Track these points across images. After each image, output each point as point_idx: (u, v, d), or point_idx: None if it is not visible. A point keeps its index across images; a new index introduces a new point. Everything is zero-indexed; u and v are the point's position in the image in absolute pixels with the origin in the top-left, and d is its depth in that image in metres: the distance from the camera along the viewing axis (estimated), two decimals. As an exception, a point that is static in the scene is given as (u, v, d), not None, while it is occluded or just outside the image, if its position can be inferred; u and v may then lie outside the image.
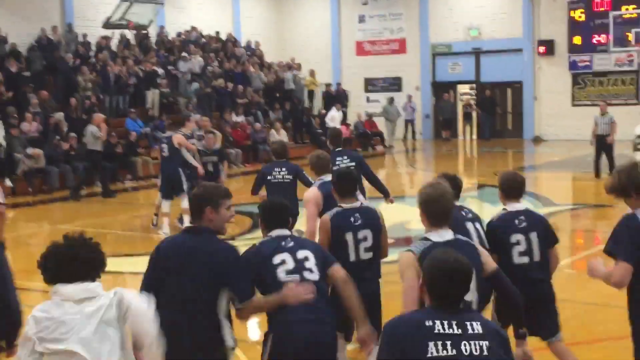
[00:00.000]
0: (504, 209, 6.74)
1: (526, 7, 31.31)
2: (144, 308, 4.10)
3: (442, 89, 33.31)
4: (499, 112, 32.71)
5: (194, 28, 31.56)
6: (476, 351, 3.68)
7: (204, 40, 31.56)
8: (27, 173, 20.09)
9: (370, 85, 35.33)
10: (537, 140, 31.09)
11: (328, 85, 32.49)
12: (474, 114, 32.47)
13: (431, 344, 3.68)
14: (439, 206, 4.95)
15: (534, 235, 6.41)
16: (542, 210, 15.38)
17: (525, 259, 6.38)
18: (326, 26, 35.97)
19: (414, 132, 32.55)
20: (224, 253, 4.98)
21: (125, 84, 25.42)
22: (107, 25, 27.81)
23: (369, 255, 6.49)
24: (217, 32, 32.48)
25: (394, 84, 34.66)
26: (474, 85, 33.66)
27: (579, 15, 30.26)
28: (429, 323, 3.74)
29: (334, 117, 28.36)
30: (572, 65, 30.59)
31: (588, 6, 30.02)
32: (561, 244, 12.92)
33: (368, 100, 35.00)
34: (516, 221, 6.47)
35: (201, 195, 5.11)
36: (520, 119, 32.25)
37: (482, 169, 24.45)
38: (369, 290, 6.31)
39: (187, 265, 4.90)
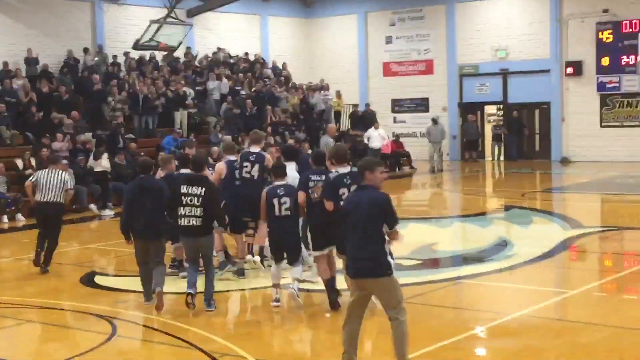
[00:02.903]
0: (336, 171, 9.62)
1: (554, 28, 31.25)
2: None
3: (469, 110, 33.27)
4: (526, 133, 32.60)
5: (220, 49, 31.80)
6: None
7: (232, 60, 31.80)
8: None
9: (397, 105, 35.38)
10: (564, 161, 30.94)
11: (355, 106, 32.56)
12: (503, 135, 32.37)
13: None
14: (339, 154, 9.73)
15: (353, 187, 8.94)
16: (569, 233, 15.34)
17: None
18: (353, 47, 36.11)
19: (441, 153, 32.49)
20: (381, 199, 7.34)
21: (153, 104, 25.64)
22: (137, 46, 28.15)
23: (288, 212, 10.01)
24: (246, 53, 32.72)
25: (421, 104, 34.69)
26: (501, 105, 33.59)
27: (607, 36, 30.16)
28: None
29: (373, 137, 28.38)
30: (600, 87, 30.45)
31: (616, 27, 29.92)
32: (590, 267, 12.99)
33: (395, 120, 35.05)
34: (344, 179, 9.44)
35: (361, 164, 7.44)
36: (547, 140, 32.11)
37: (509, 190, 24.36)
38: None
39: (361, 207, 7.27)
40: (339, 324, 9.64)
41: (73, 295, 11.60)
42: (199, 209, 9.86)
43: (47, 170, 13.04)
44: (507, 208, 20.08)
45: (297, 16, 36.84)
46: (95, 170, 21.45)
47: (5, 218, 18.72)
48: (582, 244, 14.53)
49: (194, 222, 9.90)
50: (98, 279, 12.28)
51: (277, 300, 10.16)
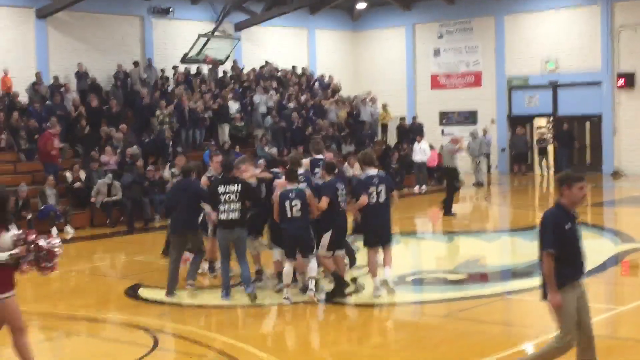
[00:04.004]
0: (367, 173, 11.37)
1: (605, 40, 30.78)
2: None
3: (518, 123, 32.89)
4: (577, 146, 32.10)
5: (267, 62, 31.91)
6: None
7: (279, 74, 31.89)
8: (104, 205, 20.48)
9: (445, 118, 35.14)
10: (616, 174, 30.38)
11: (402, 118, 32.41)
12: (550, 148, 31.90)
13: None
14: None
15: (382, 187, 11.20)
16: (621, 247, 15.00)
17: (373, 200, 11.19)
18: (401, 59, 35.98)
19: (489, 166, 32.16)
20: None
21: (200, 117, 25.80)
22: (185, 60, 28.39)
23: (299, 214, 10.86)
24: (294, 67, 32.79)
25: (470, 117, 34.40)
26: (551, 118, 33.16)
27: (660, 47, 29.65)
28: None
29: (416, 151, 28.11)
30: (653, 99, 29.92)
31: (670, 38, 29.39)
32: (640, 282, 12.65)
33: (443, 133, 34.77)
34: (373, 180, 11.19)
35: (559, 178, 7.12)
36: (599, 153, 31.56)
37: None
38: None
39: None
40: (377, 340, 9.55)
41: (118, 307, 11.66)
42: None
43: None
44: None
45: (344, 29, 36.85)
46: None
47: (54, 230, 18.92)
48: (633, 258, 14.20)
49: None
50: (142, 292, 12.32)
51: (288, 299, 10.83)
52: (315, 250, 11.11)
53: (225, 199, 11.08)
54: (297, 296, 11.18)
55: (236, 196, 11.07)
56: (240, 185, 11.16)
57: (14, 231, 7.24)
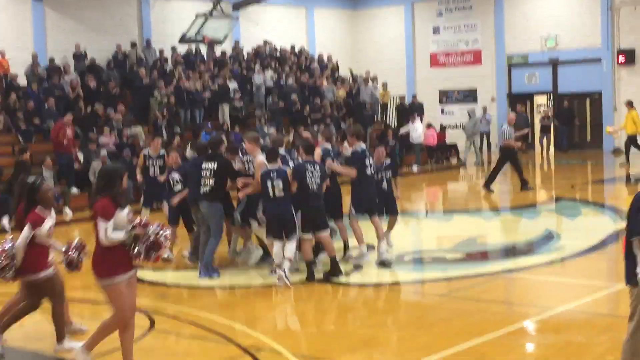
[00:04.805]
0: (359, 147, 11.92)
1: (605, 16, 30.62)
2: None
3: (518, 100, 32.78)
4: (577, 124, 32.00)
5: (266, 42, 31.76)
6: None
7: (278, 54, 31.74)
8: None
9: (445, 97, 35.03)
10: (617, 152, 30.28)
11: (402, 98, 32.28)
12: (552, 126, 31.81)
13: None
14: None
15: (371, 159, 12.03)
16: (620, 225, 14.94)
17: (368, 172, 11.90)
18: (400, 38, 35.84)
19: (489, 145, 32.08)
20: None
21: (199, 98, 25.72)
22: (183, 40, 28.25)
23: (281, 194, 10.84)
24: (292, 46, 32.63)
25: (469, 95, 34.30)
26: (551, 96, 33.04)
27: (660, 23, 29.50)
28: None
29: (416, 130, 28.02)
30: (653, 75, 29.81)
31: (670, 14, 29.24)
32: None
33: (443, 112, 34.71)
34: (367, 152, 11.95)
35: None
36: (599, 131, 31.46)
37: (559, 181, 23.93)
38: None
39: None
40: (375, 319, 9.53)
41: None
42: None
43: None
44: (557, 200, 19.70)
45: (343, 8, 36.67)
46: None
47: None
48: (632, 236, 14.11)
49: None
50: (141, 273, 12.25)
51: (280, 278, 10.76)
52: (297, 231, 11.06)
53: (204, 174, 11.45)
54: (293, 276, 11.16)
55: (211, 173, 11.37)
56: (216, 163, 11.40)
57: (127, 209, 7.19)
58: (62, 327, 8.28)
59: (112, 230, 7.01)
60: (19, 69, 24.33)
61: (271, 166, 11.03)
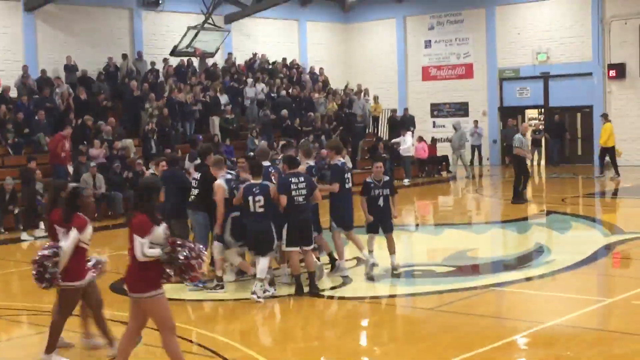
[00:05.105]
0: (339, 160, 12.08)
1: (596, 31, 30.71)
2: None
3: (509, 114, 32.81)
4: (568, 137, 32.05)
5: (255, 54, 31.77)
6: None
7: (270, 66, 31.74)
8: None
9: (437, 110, 35.05)
10: (607, 166, 30.33)
11: (394, 110, 32.31)
12: (543, 140, 31.84)
13: None
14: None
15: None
16: (610, 239, 14.95)
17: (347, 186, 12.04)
18: (392, 52, 35.87)
19: (480, 158, 32.10)
20: None
21: (190, 110, 25.68)
22: (175, 52, 28.22)
23: (262, 210, 10.75)
24: (284, 59, 32.65)
25: (461, 109, 34.32)
26: (542, 110, 33.10)
27: (650, 37, 29.59)
28: None
29: (406, 143, 28.05)
30: (644, 89, 29.88)
31: (660, 28, 29.34)
32: (630, 274, 12.61)
33: (434, 125, 34.71)
34: (346, 166, 12.15)
35: None
36: (590, 144, 31.49)
37: (550, 195, 23.92)
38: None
39: None
40: (362, 333, 9.48)
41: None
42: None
43: None
44: (547, 213, 19.68)
45: (335, 21, 36.70)
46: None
47: (42, 224, 18.74)
48: (622, 250, 14.13)
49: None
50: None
51: (268, 291, 10.79)
52: (274, 248, 11.04)
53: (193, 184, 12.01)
54: (281, 289, 11.11)
55: (196, 183, 11.88)
56: (200, 174, 11.92)
57: (164, 226, 7.21)
58: (55, 339, 8.30)
59: (148, 247, 7.00)
60: (10, 82, 24.22)
61: (254, 180, 10.94)
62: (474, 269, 13.34)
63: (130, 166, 21.72)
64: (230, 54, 30.85)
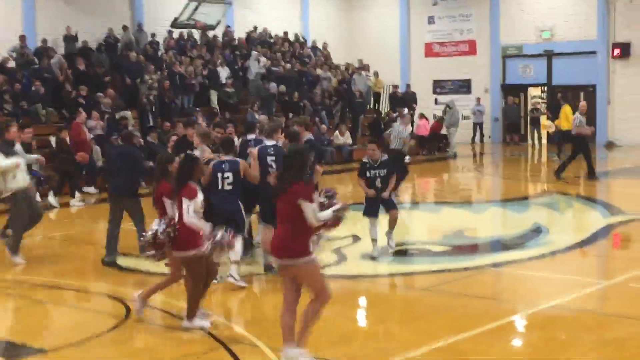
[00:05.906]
0: (310, 137, 11.95)
1: (601, 9, 30.40)
2: None
3: (512, 92, 32.57)
4: (571, 116, 31.80)
5: (255, 28, 31.48)
6: None
7: (271, 40, 31.46)
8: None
9: (439, 87, 34.80)
10: (610, 145, 30.15)
11: (395, 87, 32.07)
12: (542, 118, 31.60)
13: None
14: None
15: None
16: (609, 220, 14.78)
17: None
18: (395, 27, 35.57)
19: (482, 136, 31.89)
20: None
21: (190, 83, 25.46)
22: (175, 24, 27.95)
23: (230, 187, 10.22)
24: (285, 33, 32.36)
25: (463, 86, 34.09)
26: (545, 88, 32.85)
27: (656, 16, 29.30)
28: None
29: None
30: (648, 69, 29.62)
31: (666, 7, 29.04)
32: (629, 255, 12.45)
33: (436, 102, 34.49)
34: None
35: None
36: (592, 124, 31.07)
37: (550, 174, 23.73)
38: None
39: None
40: (355, 313, 9.34)
41: (95, 276, 11.46)
42: None
43: None
44: (547, 193, 19.52)
45: (338, -5, 36.39)
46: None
47: (38, 196, 18.58)
48: (621, 231, 13.98)
49: None
50: (121, 261, 12.05)
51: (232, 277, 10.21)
52: (244, 227, 10.51)
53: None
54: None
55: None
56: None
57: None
58: (194, 306, 8.35)
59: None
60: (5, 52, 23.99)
61: (225, 157, 10.37)
62: (472, 249, 13.19)
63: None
64: (228, 27, 30.53)
